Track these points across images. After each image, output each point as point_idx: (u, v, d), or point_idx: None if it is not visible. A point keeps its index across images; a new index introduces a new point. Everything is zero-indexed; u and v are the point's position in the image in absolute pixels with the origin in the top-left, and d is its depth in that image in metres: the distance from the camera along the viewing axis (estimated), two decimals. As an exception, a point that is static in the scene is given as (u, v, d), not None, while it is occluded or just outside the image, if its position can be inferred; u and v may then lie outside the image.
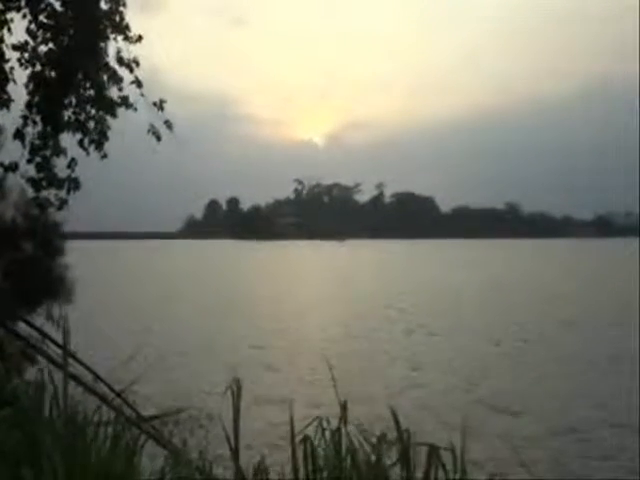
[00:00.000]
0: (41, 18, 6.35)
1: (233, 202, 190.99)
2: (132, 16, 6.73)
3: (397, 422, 2.19)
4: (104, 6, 6.50)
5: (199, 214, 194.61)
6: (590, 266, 58.71)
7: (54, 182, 6.70)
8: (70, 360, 7.14)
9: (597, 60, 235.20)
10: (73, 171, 6.76)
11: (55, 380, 4.94)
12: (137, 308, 27.91)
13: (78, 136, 6.66)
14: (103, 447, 2.90)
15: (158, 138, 6.61)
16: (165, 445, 5.25)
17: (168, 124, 6.66)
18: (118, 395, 6.88)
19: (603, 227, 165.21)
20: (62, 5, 6.37)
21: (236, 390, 2.49)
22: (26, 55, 6.38)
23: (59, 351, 7.04)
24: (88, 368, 7.11)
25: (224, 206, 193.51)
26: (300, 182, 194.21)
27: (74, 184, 6.76)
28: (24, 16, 6.34)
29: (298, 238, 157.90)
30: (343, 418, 2.36)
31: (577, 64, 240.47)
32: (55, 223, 7.85)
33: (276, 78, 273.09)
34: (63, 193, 6.78)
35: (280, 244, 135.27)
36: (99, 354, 11.74)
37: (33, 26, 6.34)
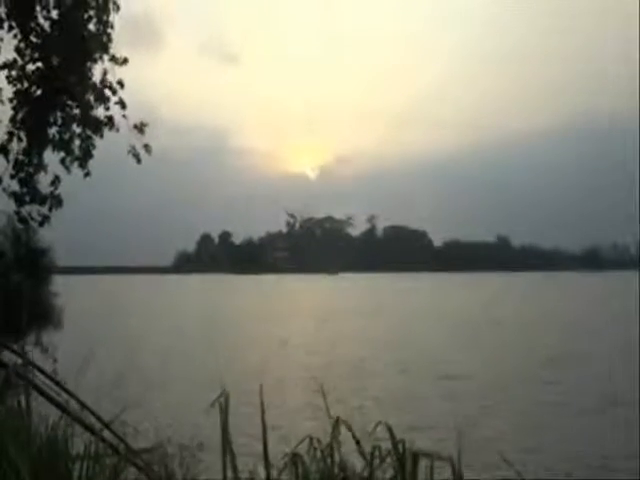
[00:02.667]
0: (31, 38, 6.42)
1: (225, 236, 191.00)
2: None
3: (391, 432, 2.08)
4: (92, 27, 6.61)
5: (191, 248, 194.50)
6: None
7: (37, 198, 6.70)
8: (57, 388, 6.98)
9: (585, 92, 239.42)
10: (56, 188, 6.77)
11: (39, 407, 4.78)
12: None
13: (61, 154, 6.67)
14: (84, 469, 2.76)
15: (138, 160, 6.64)
16: (150, 476, 5.07)
17: (147, 148, 6.71)
18: (106, 426, 6.69)
19: (591, 260, 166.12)
20: (51, 25, 6.45)
21: (224, 404, 2.36)
22: (14, 73, 6.42)
23: (45, 379, 6.86)
24: (74, 396, 6.91)
25: (216, 240, 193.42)
26: (292, 215, 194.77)
27: (56, 201, 6.76)
28: (15, 36, 6.41)
29: (290, 272, 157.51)
30: (335, 435, 2.24)
31: (567, 96, 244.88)
32: (42, 250, 7.77)
33: (267, 113, 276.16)
34: (45, 210, 6.78)
35: (271, 278, 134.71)
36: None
37: (22, 45, 6.41)
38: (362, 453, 2.07)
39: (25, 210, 6.78)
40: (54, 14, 6.56)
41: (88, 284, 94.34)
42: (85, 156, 6.71)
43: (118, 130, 6.73)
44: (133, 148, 6.65)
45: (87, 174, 6.81)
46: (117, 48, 6.80)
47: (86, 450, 3.65)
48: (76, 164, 6.71)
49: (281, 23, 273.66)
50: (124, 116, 6.72)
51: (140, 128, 6.68)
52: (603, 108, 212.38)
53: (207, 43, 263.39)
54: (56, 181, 6.77)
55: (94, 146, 6.78)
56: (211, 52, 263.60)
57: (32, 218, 6.83)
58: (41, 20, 6.42)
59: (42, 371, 6.72)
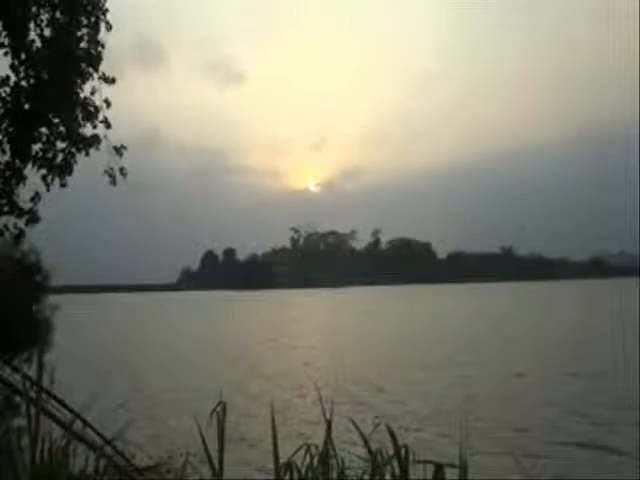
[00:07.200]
0: (22, 55, 6.48)
1: (230, 252, 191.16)
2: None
3: (394, 437, 2.00)
4: (83, 45, 6.71)
5: (195, 265, 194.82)
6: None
7: (14, 210, 6.71)
8: (58, 406, 6.89)
9: (590, 103, 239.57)
10: (35, 205, 6.79)
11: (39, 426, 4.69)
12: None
13: (43, 171, 6.72)
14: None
15: (113, 182, 6.71)
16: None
17: (123, 172, 6.77)
18: (108, 443, 6.61)
19: (597, 268, 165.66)
20: (43, 43, 6.53)
21: (221, 413, 2.30)
22: (7, 89, 6.48)
23: (45, 397, 6.78)
24: (76, 414, 6.82)
25: (220, 257, 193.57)
26: (296, 230, 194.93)
27: (33, 217, 6.77)
28: (5, 54, 6.47)
29: (295, 287, 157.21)
30: (328, 438, 2.16)
31: (570, 107, 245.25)
32: (37, 266, 7.78)
33: (271, 131, 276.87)
34: (22, 223, 6.80)
35: (275, 294, 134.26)
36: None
37: (16, 62, 6.47)
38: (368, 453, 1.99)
39: (1, 222, 6.79)
40: (47, 32, 6.64)
41: (91, 302, 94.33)
42: (65, 170, 6.75)
43: (98, 149, 6.80)
44: (110, 169, 6.74)
45: (63, 185, 6.84)
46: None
47: (88, 467, 3.59)
48: (56, 178, 6.73)
49: (286, 42, 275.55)
50: (105, 136, 6.80)
51: (118, 150, 6.78)
52: (609, 118, 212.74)
53: (212, 62, 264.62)
54: (36, 198, 6.78)
55: (76, 162, 6.83)
56: (216, 71, 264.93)
57: (7, 229, 6.84)
58: (34, 37, 6.50)
59: (42, 388, 6.62)
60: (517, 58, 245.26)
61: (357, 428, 2.12)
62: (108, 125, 6.83)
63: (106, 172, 6.73)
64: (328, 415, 2.21)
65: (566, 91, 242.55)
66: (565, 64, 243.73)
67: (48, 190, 6.73)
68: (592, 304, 59.49)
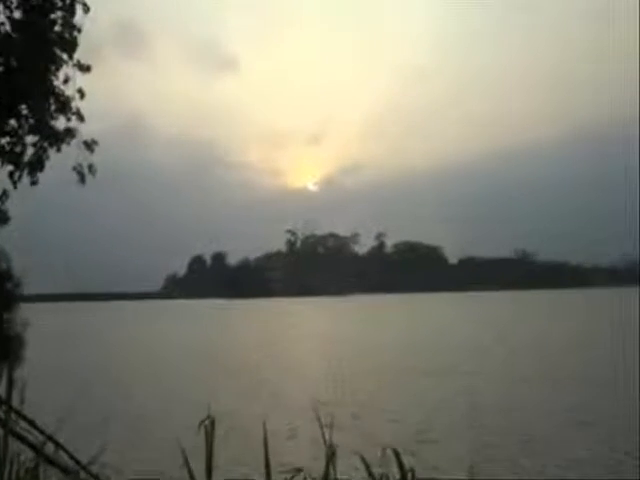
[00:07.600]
0: None
1: (219, 257, 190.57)
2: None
3: (399, 460, 1.92)
4: (57, 28, 6.64)
5: (182, 271, 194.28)
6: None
7: None
8: (29, 427, 6.80)
9: (589, 102, 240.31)
10: (3, 204, 6.71)
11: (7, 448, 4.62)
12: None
13: (9, 168, 6.64)
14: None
15: (82, 179, 6.65)
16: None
17: (92, 169, 6.72)
18: (83, 468, 6.53)
19: (619, 275, 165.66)
20: (11, 26, 6.46)
21: (209, 426, 2.25)
22: None
23: (14, 417, 6.68)
24: (48, 436, 6.73)
25: (209, 262, 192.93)
26: (293, 233, 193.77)
27: (3, 217, 6.72)
28: None
29: (290, 295, 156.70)
30: (330, 465, 2.09)
31: (570, 106, 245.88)
32: (8, 273, 7.68)
33: (268, 124, 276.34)
34: None
35: (269, 303, 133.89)
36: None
37: None
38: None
39: None
40: (17, 14, 6.57)
41: (70, 311, 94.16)
42: (36, 166, 6.68)
43: (68, 144, 6.74)
44: (79, 166, 6.69)
45: (34, 183, 6.78)
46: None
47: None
48: (25, 173, 6.66)
49: (282, 35, 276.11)
50: (72, 130, 6.72)
51: (89, 145, 6.73)
52: (608, 117, 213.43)
53: (204, 51, 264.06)
54: (4, 196, 6.71)
55: (48, 157, 6.77)
56: (208, 61, 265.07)
57: None
58: (3, 20, 6.43)
59: (12, 408, 6.53)
60: (516, 57, 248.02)
61: (364, 461, 2.04)
62: (81, 117, 6.76)
63: (74, 169, 6.68)
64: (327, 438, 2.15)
65: (565, 90, 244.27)
66: (564, 63, 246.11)
67: (15, 188, 6.66)
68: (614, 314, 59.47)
